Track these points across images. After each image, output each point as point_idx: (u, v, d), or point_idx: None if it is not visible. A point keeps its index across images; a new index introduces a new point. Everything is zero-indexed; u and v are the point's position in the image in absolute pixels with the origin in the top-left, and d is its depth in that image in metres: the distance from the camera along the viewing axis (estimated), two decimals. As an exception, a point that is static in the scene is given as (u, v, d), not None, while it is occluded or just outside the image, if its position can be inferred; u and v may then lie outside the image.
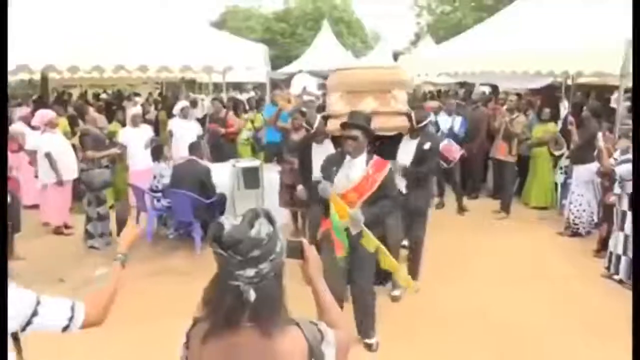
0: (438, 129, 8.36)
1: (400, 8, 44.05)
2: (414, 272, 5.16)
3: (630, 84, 6.42)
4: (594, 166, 6.43)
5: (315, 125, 5.28)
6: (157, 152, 6.86)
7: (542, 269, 5.96)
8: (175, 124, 8.80)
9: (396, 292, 5.07)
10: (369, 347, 4.19)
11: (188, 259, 6.36)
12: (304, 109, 7.67)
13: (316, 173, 4.84)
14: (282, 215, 6.82)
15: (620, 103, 7.38)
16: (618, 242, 5.42)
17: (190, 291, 5.48)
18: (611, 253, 5.56)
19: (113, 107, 10.52)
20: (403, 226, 5.02)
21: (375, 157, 3.88)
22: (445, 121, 8.60)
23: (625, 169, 5.15)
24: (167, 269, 6.06)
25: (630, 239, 5.27)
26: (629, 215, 5.25)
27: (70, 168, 6.92)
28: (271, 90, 10.12)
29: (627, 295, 5.21)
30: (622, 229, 5.36)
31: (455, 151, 7.57)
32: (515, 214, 7.92)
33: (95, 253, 6.50)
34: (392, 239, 4.51)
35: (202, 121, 9.94)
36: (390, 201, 3.90)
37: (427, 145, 4.97)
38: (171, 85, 23.31)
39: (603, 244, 6.05)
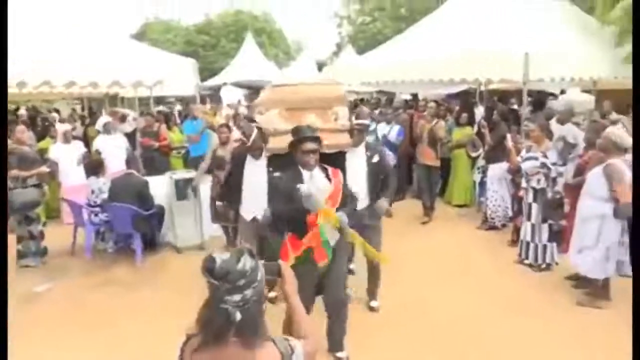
0: (376, 137, 8.63)
1: (321, 19, 45.15)
2: (374, 289, 5.18)
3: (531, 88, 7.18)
4: (505, 165, 7.11)
5: (252, 138, 4.97)
6: (96, 167, 6.88)
7: (465, 261, 6.51)
8: (100, 141, 8.76)
9: (374, 303, 5.15)
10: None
11: (129, 270, 6.43)
12: (229, 124, 7.83)
13: (245, 186, 5.01)
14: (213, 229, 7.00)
15: (524, 107, 8.19)
16: (527, 230, 6.08)
17: (135, 300, 5.67)
18: (522, 241, 6.21)
19: (40, 123, 10.29)
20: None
21: (325, 165, 3.86)
22: (382, 129, 8.91)
23: (529, 165, 5.81)
24: (110, 281, 6.12)
25: (537, 227, 5.94)
26: (534, 206, 5.91)
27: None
28: (200, 103, 10.26)
29: (536, 276, 5.91)
30: (529, 219, 6.01)
31: (391, 159, 8.03)
32: (439, 212, 8.52)
33: (28, 271, 6.41)
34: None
35: (132, 135, 9.93)
36: (354, 203, 4.02)
37: (375, 158, 4.87)
38: (93, 101, 22.76)
39: (518, 235, 6.69)
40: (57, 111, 16.75)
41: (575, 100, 7.52)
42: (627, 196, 4.51)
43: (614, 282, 5.13)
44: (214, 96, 21.20)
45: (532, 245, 6.04)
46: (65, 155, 7.96)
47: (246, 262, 1.76)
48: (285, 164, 4.01)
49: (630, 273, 4.98)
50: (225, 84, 20.39)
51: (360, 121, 4.97)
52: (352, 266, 5.66)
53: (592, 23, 9.84)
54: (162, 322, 4.83)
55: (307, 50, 34.00)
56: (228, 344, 1.75)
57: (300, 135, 3.76)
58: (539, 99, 11.34)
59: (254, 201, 4.79)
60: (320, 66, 26.24)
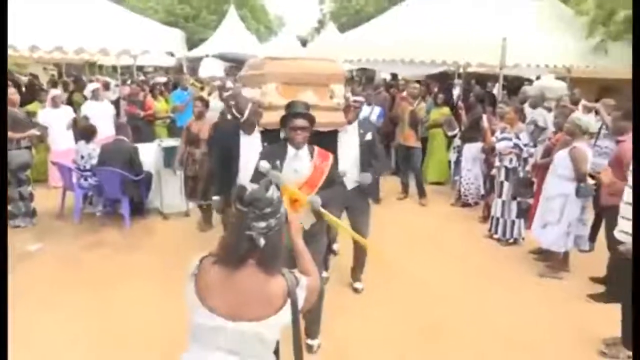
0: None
1: (304, -6, 44.97)
2: (359, 270, 5.15)
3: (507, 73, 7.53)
4: (479, 144, 7.49)
5: (247, 114, 4.65)
6: (89, 133, 7.03)
7: (439, 235, 6.91)
8: (88, 107, 8.89)
9: (358, 285, 5.14)
10: (309, 348, 3.98)
11: (118, 233, 6.66)
12: (205, 96, 7.86)
13: (243, 164, 4.60)
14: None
15: (499, 91, 8.57)
16: (497, 207, 6.49)
17: (124, 262, 5.91)
18: (492, 217, 6.62)
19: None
20: (350, 223, 4.90)
21: (316, 147, 3.74)
22: (364, 110, 9.13)
23: (503, 145, 6.20)
24: (99, 243, 6.32)
25: (507, 204, 6.35)
26: (506, 184, 6.32)
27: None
28: (174, 74, 10.38)
29: (503, 250, 6.33)
30: (500, 196, 6.42)
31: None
32: (414, 189, 8.84)
33: (19, 231, 6.59)
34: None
35: (115, 103, 10.04)
36: (339, 187, 3.91)
37: (369, 136, 4.82)
38: (69, 67, 22.52)
39: (489, 212, 7.10)
40: (34, 76, 16.55)
41: (548, 86, 7.91)
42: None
43: (572, 255, 5.57)
44: (194, 68, 21.15)
45: (501, 221, 6.46)
46: (55, 120, 8.07)
47: (273, 192, 1.95)
48: (277, 140, 3.93)
49: (587, 247, 5.45)
50: (207, 55, 20.31)
51: (356, 98, 4.99)
52: (335, 247, 5.80)
53: (567, 13, 10.24)
54: (150, 283, 5.12)
55: (288, 26, 33.98)
56: (245, 266, 1.93)
57: (292, 111, 3.68)
58: (515, 84, 11.77)
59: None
60: (302, 42, 26.33)
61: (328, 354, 4.02)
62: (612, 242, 4.64)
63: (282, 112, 3.75)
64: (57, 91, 8.97)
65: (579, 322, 4.56)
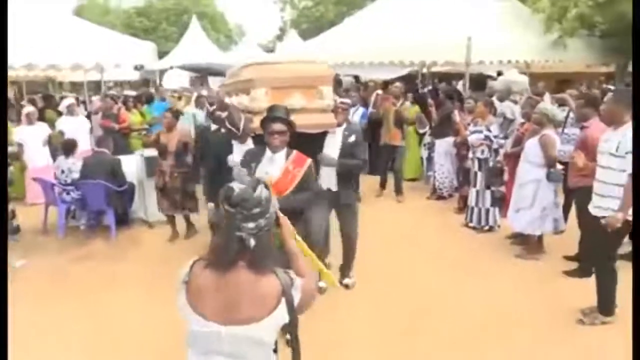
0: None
1: (263, 2, 45.14)
2: (347, 268, 5.23)
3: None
4: (450, 139, 7.83)
5: (241, 126, 4.65)
6: (70, 147, 7.07)
7: (417, 226, 7.20)
8: (63, 122, 8.91)
9: (348, 281, 5.19)
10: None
11: (103, 245, 6.71)
12: (175, 108, 7.85)
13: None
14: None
15: (466, 87, 8.97)
16: (472, 196, 6.81)
17: (111, 272, 5.96)
18: (468, 206, 6.95)
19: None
20: (339, 224, 5.09)
21: (294, 152, 3.78)
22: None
23: (474, 138, 6.54)
24: (86, 255, 6.36)
25: (481, 193, 6.69)
26: (479, 174, 6.66)
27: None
28: (139, 87, 10.45)
29: (479, 237, 6.64)
30: (474, 186, 6.75)
31: None
32: (391, 185, 9.09)
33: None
34: (315, 234, 4.67)
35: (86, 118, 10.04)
36: (311, 193, 3.82)
37: (352, 138, 4.84)
38: (30, 84, 22.23)
39: (465, 203, 7.39)
40: None
41: (513, 80, 8.33)
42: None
43: (545, 237, 5.92)
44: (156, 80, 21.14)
45: (476, 210, 6.79)
46: (30, 137, 8.07)
47: (262, 192, 1.90)
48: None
49: (564, 228, 5.82)
50: (171, 67, 20.30)
51: (343, 100, 5.07)
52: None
53: (525, 11, 10.77)
54: (140, 291, 5.21)
55: (249, 35, 34.12)
56: (236, 268, 1.88)
57: (271, 115, 3.76)
58: (478, 80, 12.24)
59: None
60: (266, 50, 26.54)
61: (313, 350, 4.07)
62: (583, 221, 5.01)
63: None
64: (31, 108, 8.96)
65: (556, 296, 4.88)
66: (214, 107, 6.52)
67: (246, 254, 1.88)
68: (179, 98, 8.88)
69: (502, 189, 6.68)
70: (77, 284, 5.51)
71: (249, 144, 4.64)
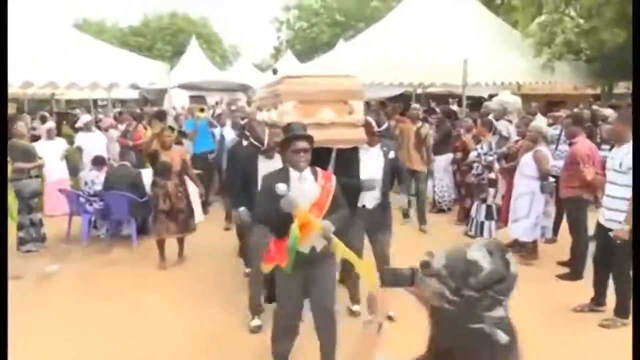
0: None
1: (259, 24, 46.09)
2: (356, 291, 4.98)
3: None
4: (449, 156, 8.38)
5: (266, 140, 4.55)
6: (99, 162, 7.54)
7: (420, 237, 7.65)
8: (81, 138, 9.36)
9: (356, 307, 4.94)
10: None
11: (126, 252, 7.14)
12: (172, 125, 7.92)
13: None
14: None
15: (463, 107, 9.56)
16: (473, 209, 7.31)
17: (136, 277, 6.37)
18: (469, 217, 7.42)
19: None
20: (374, 244, 4.86)
21: (317, 168, 3.66)
22: None
23: (472, 155, 7.13)
24: (111, 261, 6.80)
25: (477, 207, 7.19)
26: (491, 190, 7.13)
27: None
28: (141, 106, 10.86)
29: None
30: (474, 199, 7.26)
31: None
32: (394, 201, 9.50)
33: (33, 255, 6.97)
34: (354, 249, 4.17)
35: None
36: (345, 210, 3.71)
37: (392, 154, 4.71)
38: (32, 102, 22.76)
39: (466, 215, 7.85)
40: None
41: (506, 101, 8.93)
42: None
43: (540, 245, 6.44)
44: (157, 99, 21.60)
45: (474, 221, 7.31)
46: (50, 152, 8.49)
47: (512, 263, 1.39)
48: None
49: (551, 236, 6.35)
50: (173, 87, 20.74)
51: (380, 129, 4.77)
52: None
53: (515, 35, 11.47)
54: (162, 294, 5.66)
55: (245, 55, 34.81)
56: None
57: (290, 133, 3.60)
58: (473, 101, 12.92)
59: None
60: (261, 70, 27.17)
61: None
62: (574, 227, 5.55)
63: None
64: (51, 124, 9.38)
65: (551, 297, 5.38)
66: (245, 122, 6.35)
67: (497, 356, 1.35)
68: (201, 110, 9.26)
69: (491, 201, 7.11)
70: (106, 287, 5.93)
71: (277, 159, 4.39)
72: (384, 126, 4.86)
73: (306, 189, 3.51)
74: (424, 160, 8.09)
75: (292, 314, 3.72)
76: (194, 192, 6.79)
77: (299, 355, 3.99)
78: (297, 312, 3.73)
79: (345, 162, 4.02)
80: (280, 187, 3.34)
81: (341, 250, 3.40)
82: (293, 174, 3.54)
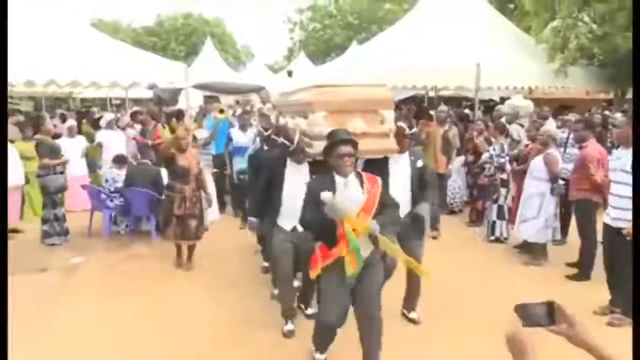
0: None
1: (272, 25, 46.38)
2: (413, 300, 4.95)
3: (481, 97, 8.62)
4: (462, 158, 8.53)
5: (296, 140, 4.40)
6: (120, 160, 7.78)
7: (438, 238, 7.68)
8: (103, 135, 9.61)
9: (413, 315, 4.93)
10: None
11: (145, 246, 7.36)
12: (188, 128, 7.64)
13: (286, 195, 4.46)
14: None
15: (476, 111, 9.71)
16: (487, 210, 7.47)
17: (156, 270, 6.59)
18: (488, 221, 7.52)
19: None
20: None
21: (361, 172, 3.76)
22: None
23: (484, 157, 7.28)
24: (131, 255, 7.03)
25: (489, 207, 7.34)
26: (502, 190, 7.29)
27: (17, 175, 7.51)
28: (155, 105, 11.03)
29: (488, 245, 7.24)
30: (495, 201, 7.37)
31: None
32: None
33: (57, 248, 7.21)
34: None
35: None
36: (394, 210, 3.80)
37: (420, 163, 4.66)
38: (48, 100, 23.15)
39: (478, 216, 8.05)
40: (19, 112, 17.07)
41: (518, 105, 9.06)
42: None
43: (548, 246, 6.58)
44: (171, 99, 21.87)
45: (488, 222, 7.46)
46: (71, 149, 8.74)
47: None
48: (325, 170, 3.82)
49: (559, 237, 6.50)
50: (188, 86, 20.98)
51: (412, 132, 4.77)
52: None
53: (529, 40, 11.58)
54: (180, 288, 5.88)
55: (258, 56, 35.11)
56: None
57: (335, 138, 3.65)
58: (485, 105, 13.06)
59: (295, 209, 4.16)
60: (274, 72, 27.43)
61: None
62: (583, 229, 5.71)
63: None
64: (72, 122, 9.64)
65: (560, 296, 5.47)
66: (269, 131, 5.89)
67: None
68: (221, 111, 9.37)
69: (502, 201, 7.25)
70: (127, 280, 6.17)
71: (305, 166, 4.49)
72: (414, 130, 4.85)
73: (352, 195, 3.56)
74: (449, 163, 8.08)
75: (336, 320, 3.73)
76: (211, 189, 6.89)
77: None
78: (341, 318, 3.74)
79: (374, 171, 3.91)
80: (325, 196, 3.38)
81: (390, 247, 3.53)
82: (339, 179, 3.60)
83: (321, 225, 3.56)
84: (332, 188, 3.51)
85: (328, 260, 3.62)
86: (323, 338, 3.95)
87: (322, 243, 3.69)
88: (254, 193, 5.08)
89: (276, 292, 5.16)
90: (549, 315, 1.46)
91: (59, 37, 8.84)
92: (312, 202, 3.56)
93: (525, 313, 1.46)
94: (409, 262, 3.76)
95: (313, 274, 3.82)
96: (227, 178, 8.96)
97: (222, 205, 9.10)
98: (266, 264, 6.06)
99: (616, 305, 4.95)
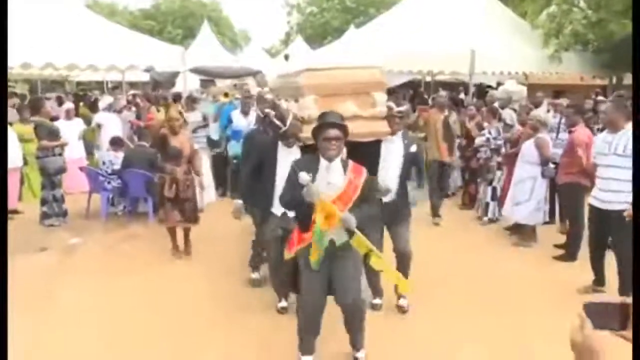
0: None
1: (269, 8, 45.98)
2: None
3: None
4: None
5: (288, 123, 4.27)
6: (117, 143, 7.87)
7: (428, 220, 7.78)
8: (101, 117, 9.70)
9: (377, 300, 4.84)
10: None
11: (142, 227, 7.49)
12: (181, 110, 8.04)
13: (279, 179, 4.25)
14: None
15: (470, 96, 9.80)
16: (480, 191, 7.63)
17: (153, 249, 6.73)
18: (481, 202, 7.70)
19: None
20: (394, 238, 4.70)
21: (349, 160, 3.64)
22: None
23: (478, 140, 7.40)
24: (129, 236, 7.15)
25: (483, 189, 7.48)
26: (498, 173, 7.44)
27: (15, 156, 7.59)
28: (152, 88, 11.11)
29: (480, 227, 7.40)
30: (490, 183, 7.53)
31: None
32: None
33: (55, 229, 7.33)
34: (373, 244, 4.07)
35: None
36: (371, 205, 3.71)
37: (413, 148, 4.57)
38: (44, 83, 23.17)
39: (470, 199, 8.21)
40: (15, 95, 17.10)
41: (512, 90, 9.17)
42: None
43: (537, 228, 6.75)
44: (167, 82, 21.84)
45: (481, 203, 7.62)
46: (69, 131, 8.82)
47: None
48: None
49: (547, 219, 6.67)
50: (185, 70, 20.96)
51: (400, 108, 4.60)
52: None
53: (525, 26, 11.64)
54: (177, 265, 6.05)
55: (255, 39, 34.92)
56: None
57: (325, 121, 3.57)
58: (479, 90, 13.14)
59: None
60: (271, 55, 27.35)
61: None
62: (571, 212, 5.86)
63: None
64: (70, 105, 9.71)
65: (548, 276, 5.68)
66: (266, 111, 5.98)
67: None
68: (226, 95, 9.39)
69: (496, 183, 7.40)
70: (127, 259, 6.28)
71: (296, 150, 4.39)
72: (403, 107, 4.71)
73: (332, 180, 3.48)
74: (452, 152, 7.81)
75: (314, 311, 3.68)
76: (207, 172, 6.93)
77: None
78: (319, 308, 3.68)
79: (364, 156, 3.82)
80: (302, 176, 3.30)
81: (362, 245, 3.44)
82: (322, 162, 3.51)
83: (296, 206, 3.60)
84: (314, 170, 3.45)
85: (302, 244, 3.58)
86: (305, 328, 3.77)
87: (298, 225, 3.69)
88: (242, 175, 5.00)
89: (254, 276, 5.36)
90: (622, 317, 1.24)
91: (56, 19, 8.87)
92: (291, 181, 3.51)
93: (594, 312, 1.26)
94: (390, 274, 3.73)
95: (287, 256, 3.78)
96: (226, 160, 9.07)
97: (224, 188, 9.13)
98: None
99: (600, 284, 5.11)
